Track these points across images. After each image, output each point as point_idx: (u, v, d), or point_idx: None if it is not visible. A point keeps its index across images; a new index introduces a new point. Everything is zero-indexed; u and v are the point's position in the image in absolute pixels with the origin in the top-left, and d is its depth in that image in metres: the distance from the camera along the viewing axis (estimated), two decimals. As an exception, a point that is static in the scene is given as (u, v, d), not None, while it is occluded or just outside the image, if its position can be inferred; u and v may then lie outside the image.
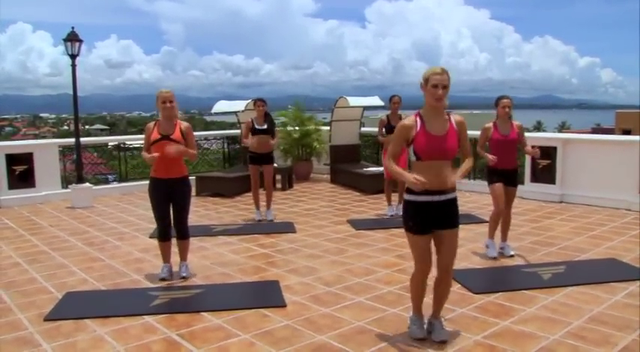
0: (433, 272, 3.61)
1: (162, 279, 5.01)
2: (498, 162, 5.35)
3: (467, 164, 3.61)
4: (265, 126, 7.33)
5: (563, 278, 4.84)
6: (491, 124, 5.49)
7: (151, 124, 4.97)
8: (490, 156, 5.34)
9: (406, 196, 3.52)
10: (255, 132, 7.32)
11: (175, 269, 5.15)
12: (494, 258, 5.49)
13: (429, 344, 3.58)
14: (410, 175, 3.35)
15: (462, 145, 3.52)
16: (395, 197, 7.58)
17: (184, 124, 4.95)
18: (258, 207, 7.56)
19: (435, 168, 3.39)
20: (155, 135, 4.85)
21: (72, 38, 8.75)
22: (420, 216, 3.46)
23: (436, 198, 3.43)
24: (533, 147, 5.69)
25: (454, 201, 3.52)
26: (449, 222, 3.49)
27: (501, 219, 5.61)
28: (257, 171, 7.47)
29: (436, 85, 3.35)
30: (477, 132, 6.02)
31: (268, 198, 7.59)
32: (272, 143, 7.44)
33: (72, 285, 4.90)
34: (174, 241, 5.14)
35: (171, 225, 5.05)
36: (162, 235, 5.06)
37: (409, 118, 3.49)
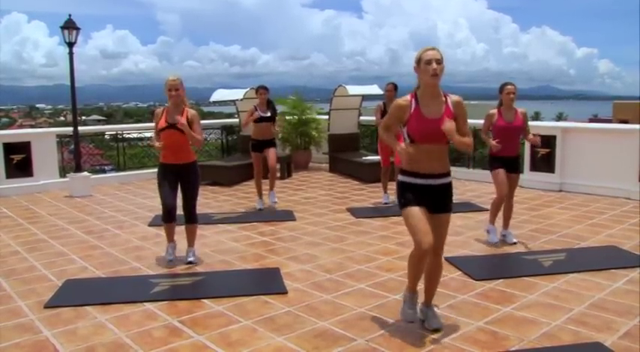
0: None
1: (170, 261, 5.05)
2: (501, 150, 5.32)
3: (466, 138, 3.40)
4: (268, 114, 7.27)
5: (564, 266, 4.84)
6: (495, 111, 5.40)
7: (160, 111, 5.00)
8: (493, 143, 5.30)
9: (400, 177, 3.48)
10: (257, 119, 7.23)
11: (180, 254, 5.17)
12: (496, 244, 5.49)
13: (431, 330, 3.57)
14: (400, 145, 3.33)
15: (459, 128, 3.33)
16: (392, 185, 7.55)
17: (191, 112, 4.98)
18: (260, 195, 7.49)
19: (428, 151, 3.33)
20: (162, 124, 4.90)
21: (69, 26, 8.66)
22: (414, 193, 3.38)
23: (429, 181, 3.36)
24: (534, 135, 5.65)
25: (448, 186, 3.43)
26: (441, 207, 3.41)
27: (503, 206, 5.57)
28: (260, 158, 7.40)
29: (430, 60, 3.26)
30: (479, 121, 6.00)
31: (272, 180, 7.46)
32: (273, 130, 7.36)
33: (71, 273, 4.88)
34: (179, 229, 5.18)
35: (176, 209, 5.05)
36: (167, 218, 5.07)
37: (404, 98, 3.40)
